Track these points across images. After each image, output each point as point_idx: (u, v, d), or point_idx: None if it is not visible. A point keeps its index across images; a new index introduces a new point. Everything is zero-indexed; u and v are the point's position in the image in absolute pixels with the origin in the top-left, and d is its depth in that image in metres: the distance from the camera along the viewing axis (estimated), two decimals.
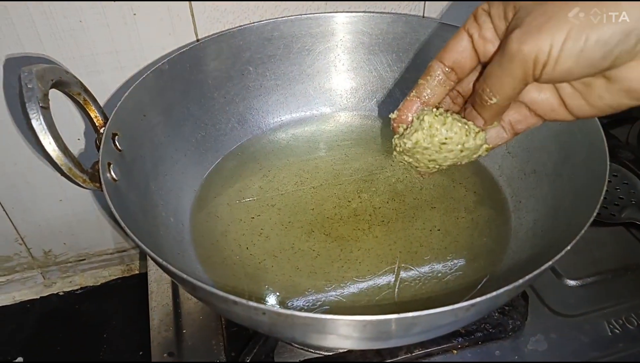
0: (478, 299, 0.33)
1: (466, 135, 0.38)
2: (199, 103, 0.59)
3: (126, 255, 0.77)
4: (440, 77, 0.38)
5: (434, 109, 0.39)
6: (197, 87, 0.58)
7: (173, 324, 0.53)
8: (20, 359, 0.67)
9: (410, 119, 0.40)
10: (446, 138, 0.38)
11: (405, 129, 0.40)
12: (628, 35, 0.28)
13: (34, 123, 0.37)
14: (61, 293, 0.74)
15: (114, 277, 0.76)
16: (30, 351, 0.68)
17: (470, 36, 0.35)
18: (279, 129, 0.64)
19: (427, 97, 0.39)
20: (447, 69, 0.37)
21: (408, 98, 0.40)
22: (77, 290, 0.75)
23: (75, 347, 0.68)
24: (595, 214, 0.39)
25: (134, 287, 0.74)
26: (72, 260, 0.75)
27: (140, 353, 0.67)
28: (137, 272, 0.77)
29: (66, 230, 0.71)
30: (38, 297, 0.74)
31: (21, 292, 0.74)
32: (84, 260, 0.75)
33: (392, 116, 0.41)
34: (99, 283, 0.75)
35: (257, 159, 0.61)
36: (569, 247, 0.37)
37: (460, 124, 0.38)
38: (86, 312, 0.72)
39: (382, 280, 0.49)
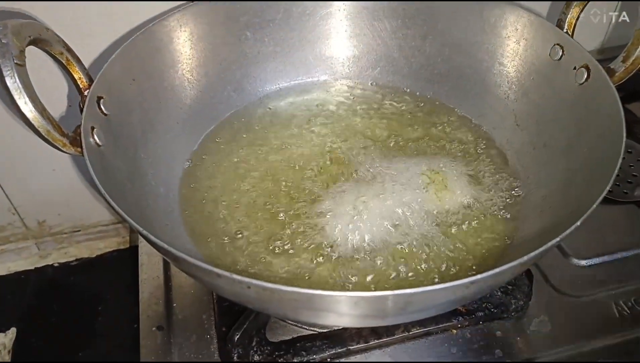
0: (478, 276, 0.31)
1: None
2: (192, 69, 0.56)
3: (122, 226, 0.75)
4: None
5: None
6: (191, 51, 0.55)
7: (163, 297, 0.51)
8: (13, 329, 0.66)
9: None
10: None
11: None
12: None
13: (8, 81, 0.35)
14: (56, 265, 0.73)
15: (110, 249, 0.75)
16: (24, 322, 0.67)
17: None
18: (277, 97, 0.62)
19: None
20: None
21: None
22: (72, 261, 0.73)
23: (70, 319, 0.67)
24: (607, 190, 0.37)
25: (129, 259, 0.72)
26: (67, 231, 0.73)
27: (135, 326, 0.65)
28: (132, 244, 0.76)
29: (60, 200, 0.69)
30: (33, 268, 0.73)
31: (16, 263, 0.73)
32: (79, 231, 0.74)
33: None
34: (94, 255, 0.74)
35: (254, 128, 0.59)
36: (578, 223, 0.35)
37: None
38: (81, 284, 0.71)
39: (383, 254, 0.46)
